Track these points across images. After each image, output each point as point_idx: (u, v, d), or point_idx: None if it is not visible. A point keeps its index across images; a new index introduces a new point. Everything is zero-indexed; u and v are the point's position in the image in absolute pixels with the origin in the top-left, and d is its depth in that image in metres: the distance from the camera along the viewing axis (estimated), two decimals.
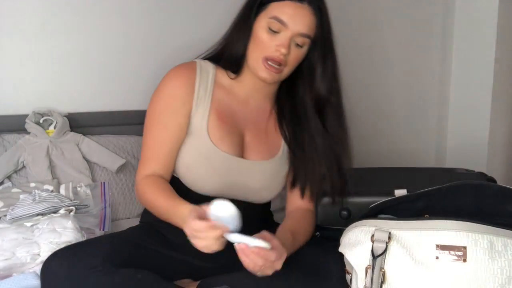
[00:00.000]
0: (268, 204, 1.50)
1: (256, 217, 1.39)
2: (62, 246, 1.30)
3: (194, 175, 1.34)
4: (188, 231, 1.10)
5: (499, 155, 2.67)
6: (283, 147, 1.42)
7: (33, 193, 1.56)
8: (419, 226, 1.12)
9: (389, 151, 2.61)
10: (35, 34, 1.80)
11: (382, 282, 1.12)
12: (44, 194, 1.55)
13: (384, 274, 1.12)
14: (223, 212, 1.11)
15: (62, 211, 1.51)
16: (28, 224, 1.44)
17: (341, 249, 1.22)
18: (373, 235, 1.15)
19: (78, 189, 1.72)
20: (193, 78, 1.33)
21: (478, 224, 1.08)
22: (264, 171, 1.38)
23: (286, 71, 1.32)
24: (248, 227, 1.14)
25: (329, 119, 1.39)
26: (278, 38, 1.27)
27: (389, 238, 1.13)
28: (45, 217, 1.46)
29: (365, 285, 1.14)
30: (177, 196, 1.26)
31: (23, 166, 1.74)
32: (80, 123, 1.86)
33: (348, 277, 1.21)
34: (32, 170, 1.71)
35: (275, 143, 1.41)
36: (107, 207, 1.73)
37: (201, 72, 1.35)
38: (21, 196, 1.56)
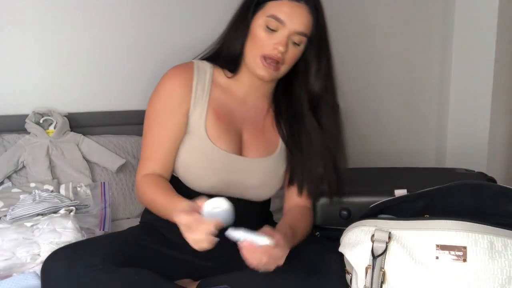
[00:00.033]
0: (267, 203, 1.50)
1: (256, 215, 1.40)
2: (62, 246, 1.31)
3: (193, 174, 1.35)
4: (180, 222, 1.10)
5: (499, 155, 2.67)
6: (280, 145, 1.43)
7: (33, 193, 1.56)
8: (419, 226, 1.12)
9: (389, 151, 2.61)
10: (35, 34, 1.80)
11: (382, 282, 1.12)
12: (44, 194, 1.56)
13: (384, 274, 1.12)
14: (216, 208, 1.10)
15: (62, 211, 1.51)
16: (28, 224, 1.44)
17: (341, 249, 1.23)
18: (373, 235, 1.15)
19: (78, 189, 1.72)
20: (191, 78, 1.35)
21: (478, 224, 1.08)
22: (262, 169, 1.39)
23: (283, 69, 1.34)
24: (247, 226, 1.15)
25: (323, 117, 1.40)
26: (275, 37, 1.29)
27: (389, 238, 1.13)
28: (45, 217, 1.46)
29: (365, 285, 1.14)
30: (176, 193, 1.26)
31: (23, 166, 1.74)
32: (80, 123, 1.86)
33: (348, 277, 1.21)
34: (32, 170, 1.71)
35: (273, 141, 1.43)
36: (107, 207, 1.73)
37: (199, 72, 1.36)
38: (21, 196, 1.56)
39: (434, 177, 1.68)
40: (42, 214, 1.49)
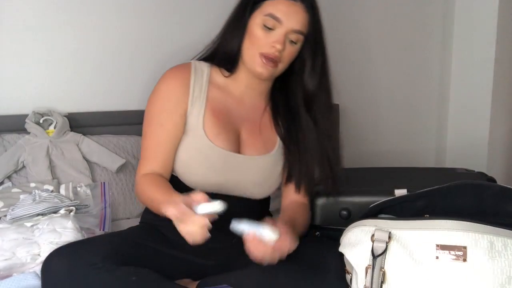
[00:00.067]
0: (267, 203, 1.51)
1: (255, 214, 1.39)
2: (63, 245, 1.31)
3: (192, 172, 1.36)
4: (168, 215, 1.10)
5: (499, 155, 2.67)
6: (278, 143, 1.44)
7: (33, 193, 1.56)
8: (419, 226, 1.12)
9: (389, 151, 2.61)
10: (35, 34, 1.80)
11: (382, 282, 1.12)
12: (44, 194, 1.56)
13: (384, 274, 1.12)
14: (209, 210, 1.09)
15: (62, 211, 1.51)
16: (28, 224, 1.44)
17: (341, 249, 1.23)
18: (373, 235, 1.15)
19: (78, 189, 1.72)
20: (188, 78, 1.37)
21: (478, 224, 1.08)
22: (261, 166, 1.40)
23: (281, 67, 1.35)
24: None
25: (317, 114, 1.42)
26: (273, 35, 1.30)
27: (389, 238, 1.13)
28: (45, 217, 1.46)
29: (365, 285, 1.14)
30: (174, 191, 1.27)
31: (23, 166, 1.74)
32: (80, 123, 1.86)
33: (348, 277, 1.21)
34: (32, 170, 1.71)
35: (271, 139, 1.44)
36: (107, 207, 1.73)
37: (196, 72, 1.38)
38: (21, 196, 1.56)
39: (434, 177, 1.68)
40: (42, 214, 1.49)
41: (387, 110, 2.62)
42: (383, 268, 1.12)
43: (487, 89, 2.56)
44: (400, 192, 1.45)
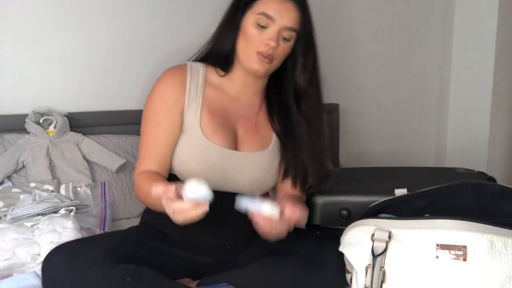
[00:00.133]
0: None
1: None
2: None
3: (190, 171, 1.36)
4: (156, 193, 1.11)
5: (499, 155, 2.67)
6: (274, 139, 1.46)
7: (33, 193, 1.56)
8: (419, 225, 1.12)
9: (389, 151, 2.61)
10: (35, 34, 1.80)
11: (382, 282, 1.12)
12: (44, 194, 1.56)
13: (384, 273, 1.12)
14: (197, 193, 1.09)
15: (62, 211, 1.51)
16: (28, 224, 1.44)
17: (341, 249, 1.23)
18: (373, 234, 1.15)
19: (78, 189, 1.72)
20: (184, 78, 1.40)
21: (478, 224, 1.08)
22: (258, 162, 1.42)
23: (275, 63, 1.39)
24: (244, 222, 1.18)
25: (308, 110, 1.44)
26: (266, 33, 1.34)
27: (389, 237, 1.13)
28: (45, 217, 1.46)
29: (365, 285, 1.14)
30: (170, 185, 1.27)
31: (23, 166, 1.73)
32: (80, 123, 1.86)
33: (348, 276, 1.21)
34: (32, 170, 1.71)
35: (267, 136, 1.46)
36: (107, 207, 1.73)
37: (192, 72, 1.41)
38: (21, 196, 1.56)
39: (434, 176, 1.68)
40: (42, 214, 1.49)
41: (387, 110, 2.62)
42: (383, 267, 1.12)
43: (487, 89, 2.56)
44: (400, 192, 1.45)
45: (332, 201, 1.52)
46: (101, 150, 1.83)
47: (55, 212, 1.51)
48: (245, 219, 1.16)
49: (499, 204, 1.18)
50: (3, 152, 1.72)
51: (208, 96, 1.41)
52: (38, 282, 1.21)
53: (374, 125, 2.60)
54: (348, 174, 1.77)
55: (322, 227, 1.52)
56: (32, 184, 1.66)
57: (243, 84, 1.44)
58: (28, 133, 1.76)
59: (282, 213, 1.16)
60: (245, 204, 1.14)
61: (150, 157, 1.37)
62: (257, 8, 1.35)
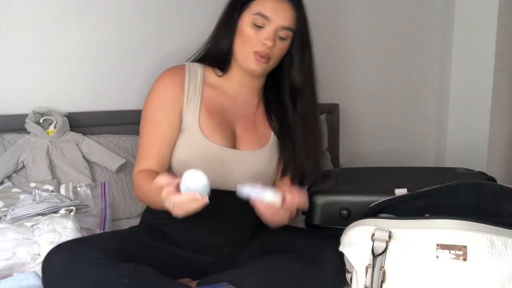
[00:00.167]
0: None
1: (252, 208, 1.40)
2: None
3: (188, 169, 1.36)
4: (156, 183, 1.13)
5: (499, 155, 2.67)
6: (272, 138, 1.47)
7: (33, 193, 1.56)
8: (419, 225, 1.12)
9: (389, 151, 2.61)
10: (35, 34, 1.80)
11: (382, 281, 1.12)
12: (44, 194, 1.56)
13: (384, 273, 1.12)
14: (195, 184, 1.10)
15: (62, 211, 1.51)
16: (29, 224, 1.44)
17: (341, 249, 1.23)
18: (373, 234, 1.15)
19: (78, 189, 1.72)
20: (183, 78, 1.41)
21: (478, 223, 1.08)
22: (256, 160, 1.43)
23: (272, 63, 1.40)
24: (242, 220, 1.17)
25: (303, 109, 1.46)
26: (263, 32, 1.35)
27: (389, 237, 1.13)
28: (46, 217, 1.46)
29: (365, 284, 1.14)
30: None
31: (23, 166, 1.73)
32: (80, 123, 1.86)
33: (348, 276, 1.21)
34: (32, 170, 1.71)
35: (265, 135, 1.47)
36: (107, 207, 1.73)
37: (190, 72, 1.43)
38: (21, 196, 1.56)
39: (434, 176, 1.68)
40: (42, 214, 1.49)
41: (387, 110, 2.62)
42: (383, 267, 1.12)
43: (487, 89, 2.56)
44: (400, 192, 1.45)
45: (332, 201, 1.52)
46: (101, 150, 1.83)
47: (55, 212, 1.51)
48: (244, 217, 1.17)
49: (499, 204, 1.18)
50: (3, 152, 1.72)
51: (207, 96, 1.42)
52: (38, 282, 1.21)
53: (374, 125, 2.60)
54: (348, 174, 1.77)
55: (322, 227, 1.52)
56: (32, 184, 1.66)
57: (240, 84, 1.45)
58: (28, 133, 1.76)
59: (283, 199, 1.18)
60: (247, 191, 1.15)
61: (149, 157, 1.38)
62: (253, 8, 1.36)
